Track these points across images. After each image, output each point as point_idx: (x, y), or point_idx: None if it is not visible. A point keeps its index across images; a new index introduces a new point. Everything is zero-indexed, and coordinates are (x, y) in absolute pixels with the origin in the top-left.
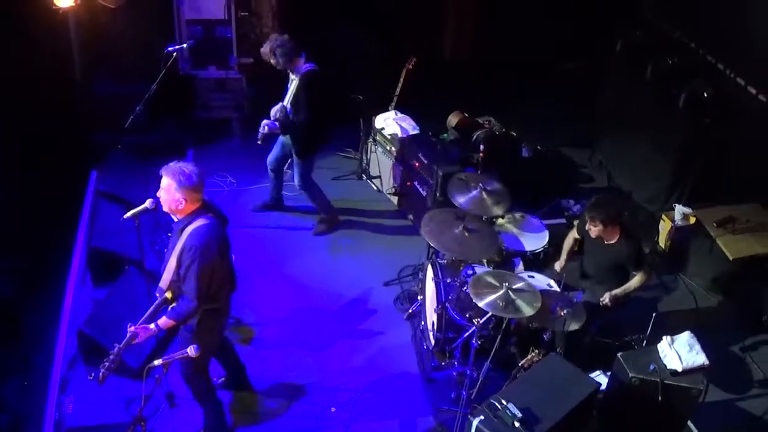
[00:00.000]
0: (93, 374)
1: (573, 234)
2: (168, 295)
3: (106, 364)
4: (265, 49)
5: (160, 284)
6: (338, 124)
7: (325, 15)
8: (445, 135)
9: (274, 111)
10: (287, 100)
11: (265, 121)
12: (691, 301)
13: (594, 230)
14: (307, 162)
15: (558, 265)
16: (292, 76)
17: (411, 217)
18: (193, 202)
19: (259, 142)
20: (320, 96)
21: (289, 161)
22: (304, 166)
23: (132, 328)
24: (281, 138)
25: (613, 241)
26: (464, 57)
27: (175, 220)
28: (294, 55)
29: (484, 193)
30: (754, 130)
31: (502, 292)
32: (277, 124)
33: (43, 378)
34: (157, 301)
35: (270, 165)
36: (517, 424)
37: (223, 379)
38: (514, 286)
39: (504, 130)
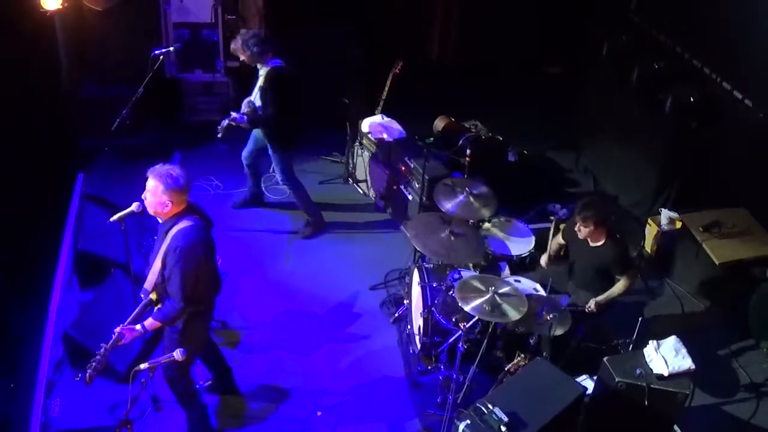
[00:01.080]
0: (80, 375)
1: (558, 239)
2: (152, 296)
3: (93, 364)
4: (236, 43)
5: (144, 285)
6: (325, 127)
7: (311, 18)
8: (431, 139)
9: (243, 105)
10: (254, 95)
11: (233, 114)
12: (677, 306)
13: (583, 231)
14: (284, 157)
15: (543, 260)
16: (260, 72)
17: (398, 221)
18: (178, 205)
19: (219, 135)
20: (287, 91)
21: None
22: (282, 160)
23: (118, 329)
24: (254, 133)
25: (599, 244)
26: (451, 60)
27: (160, 222)
28: (265, 49)
29: (470, 197)
30: (740, 134)
31: (488, 296)
32: (245, 117)
33: (30, 381)
34: (142, 303)
35: (245, 160)
36: (503, 429)
37: (209, 382)
38: (500, 291)
39: (490, 134)
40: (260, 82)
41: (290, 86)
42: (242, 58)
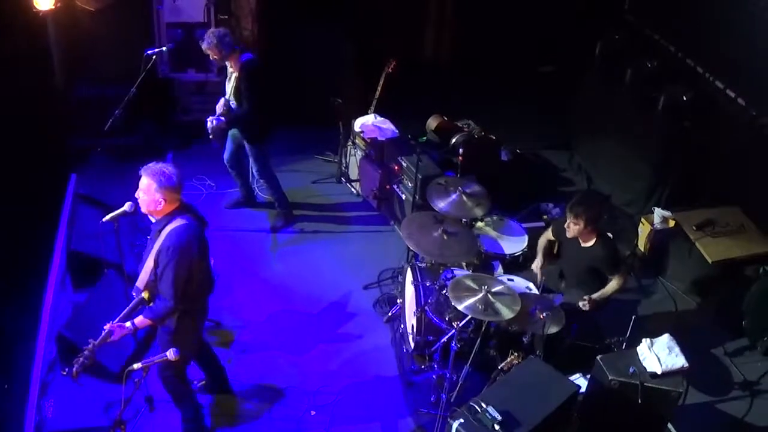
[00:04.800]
0: (66, 370)
1: (547, 235)
2: (145, 295)
3: (80, 359)
4: (209, 43)
5: (137, 284)
6: (317, 127)
7: (304, 17)
8: (424, 138)
9: (219, 106)
10: (229, 94)
11: (210, 118)
12: (670, 304)
13: (573, 228)
14: (260, 149)
15: (535, 265)
16: (230, 70)
17: (390, 220)
18: (171, 203)
19: (210, 137)
20: (262, 83)
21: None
22: (259, 153)
23: (108, 326)
24: (230, 133)
25: (589, 245)
26: (444, 59)
27: (153, 221)
28: (237, 46)
29: (463, 196)
30: (733, 133)
31: (481, 295)
32: (222, 119)
33: (23, 381)
34: (134, 301)
35: (228, 163)
36: (496, 427)
37: (202, 382)
38: (493, 289)
39: (483, 133)
40: (233, 79)
41: (264, 78)
42: (214, 57)
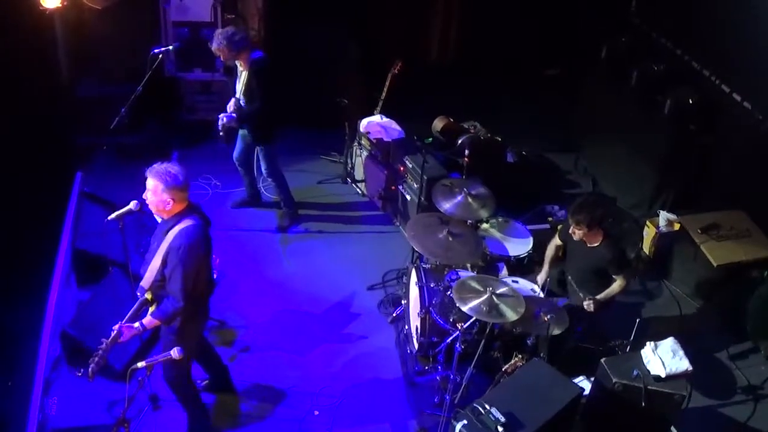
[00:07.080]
0: (81, 371)
1: (555, 241)
2: (148, 295)
3: (95, 359)
4: (218, 43)
5: (141, 284)
6: (323, 127)
7: (311, 17)
8: (430, 139)
9: (229, 105)
10: (239, 92)
11: (221, 115)
12: (675, 308)
13: (578, 233)
14: (270, 148)
15: (540, 278)
16: (240, 68)
17: (396, 221)
18: (180, 202)
19: (221, 134)
20: (271, 81)
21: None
22: (269, 152)
23: (117, 327)
24: (240, 132)
25: (595, 245)
26: (450, 61)
27: (160, 221)
28: (248, 44)
29: (468, 197)
30: (739, 136)
31: (485, 296)
32: (233, 116)
33: (27, 379)
34: (138, 301)
35: (237, 161)
36: (500, 429)
37: (206, 381)
38: (497, 291)
39: (489, 135)
40: (243, 78)
41: (273, 76)
42: (223, 57)
